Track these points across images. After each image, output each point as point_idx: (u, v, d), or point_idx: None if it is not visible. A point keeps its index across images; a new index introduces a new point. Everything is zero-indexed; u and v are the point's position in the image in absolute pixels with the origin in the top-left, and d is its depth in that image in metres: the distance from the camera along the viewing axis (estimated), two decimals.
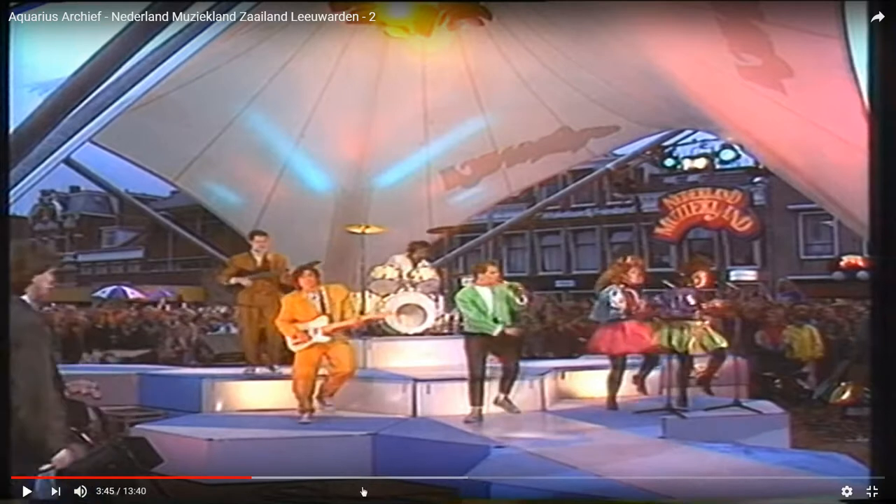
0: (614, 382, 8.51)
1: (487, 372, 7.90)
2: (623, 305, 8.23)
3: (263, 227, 12.61)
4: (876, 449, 2.98)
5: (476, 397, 7.84)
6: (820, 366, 11.70)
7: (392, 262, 10.70)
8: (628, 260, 8.74)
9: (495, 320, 7.85)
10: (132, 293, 31.78)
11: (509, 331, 7.85)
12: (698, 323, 8.27)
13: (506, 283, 8.16)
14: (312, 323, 7.98)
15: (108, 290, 33.34)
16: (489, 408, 7.97)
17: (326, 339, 7.96)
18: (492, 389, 7.98)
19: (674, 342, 8.16)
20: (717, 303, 8.56)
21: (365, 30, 10.18)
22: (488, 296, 7.94)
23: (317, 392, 8.03)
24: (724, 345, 8.39)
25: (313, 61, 10.73)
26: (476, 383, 7.86)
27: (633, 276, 8.39)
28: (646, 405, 8.24)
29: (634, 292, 8.36)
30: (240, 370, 9.65)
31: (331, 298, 8.10)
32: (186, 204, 22.42)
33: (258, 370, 9.35)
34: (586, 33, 9.37)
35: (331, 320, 7.99)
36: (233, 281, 9.50)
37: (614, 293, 8.28)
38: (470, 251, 22.27)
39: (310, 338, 7.96)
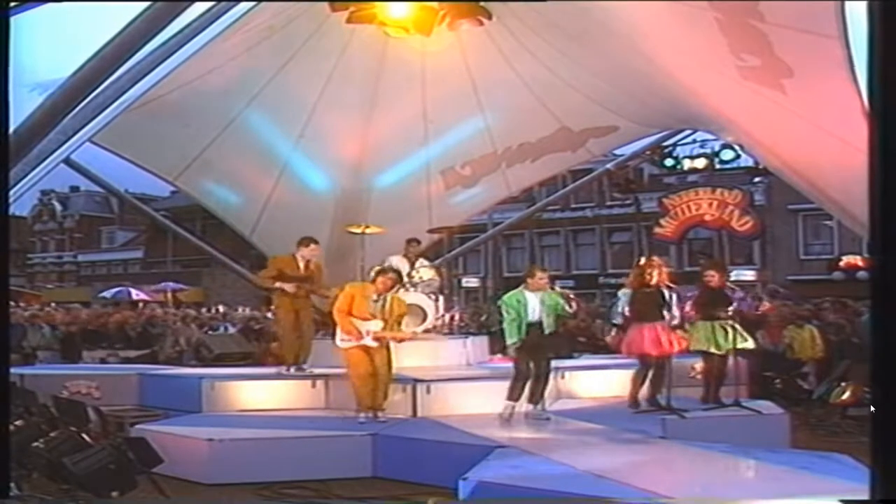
0: (640, 381, 8.49)
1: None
2: (622, 310, 8.31)
3: (263, 227, 12.71)
4: (876, 449, 2.97)
5: (514, 394, 7.95)
6: (820, 366, 11.70)
7: (388, 263, 10.68)
8: (644, 262, 8.73)
9: (529, 325, 7.89)
10: (136, 294, 31.73)
11: (516, 343, 7.90)
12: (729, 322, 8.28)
13: (556, 289, 8.16)
14: (367, 324, 7.86)
15: (113, 290, 33.30)
16: (488, 408, 7.99)
17: (375, 344, 7.84)
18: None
19: (721, 341, 8.17)
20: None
21: (364, 30, 10.18)
22: (535, 301, 7.96)
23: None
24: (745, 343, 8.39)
25: (313, 61, 10.73)
26: (517, 382, 7.96)
27: (654, 278, 8.36)
28: (646, 405, 8.25)
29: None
30: (240, 370, 9.67)
31: (392, 307, 7.97)
32: (186, 204, 22.44)
33: (293, 370, 9.32)
34: (586, 33, 9.37)
35: (384, 328, 7.88)
36: (277, 285, 9.38)
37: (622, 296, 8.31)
38: (469, 251, 22.30)
39: (361, 338, 7.85)
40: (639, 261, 8.85)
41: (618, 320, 8.54)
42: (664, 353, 8.21)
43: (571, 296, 8.20)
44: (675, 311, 8.29)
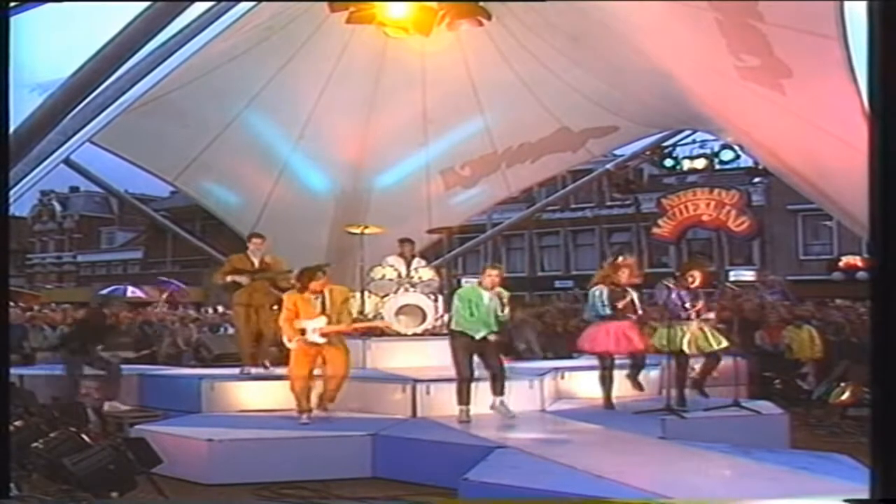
0: (605, 382, 8.54)
1: (476, 373, 7.90)
2: (608, 305, 8.31)
3: (263, 228, 12.66)
4: (876, 449, 2.97)
5: (463, 397, 7.86)
6: (819, 366, 11.70)
7: (385, 263, 10.70)
8: (619, 260, 8.77)
9: (485, 324, 7.83)
10: (132, 291, 31.72)
11: (491, 337, 7.83)
12: (693, 323, 8.29)
13: (498, 289, 7.97)
14: (310, 322, 7.90)
15: (109, 289, 33.30)
16: (487, 408, 7.99)
17: (322, 340, 7.88)
18: (479, 392, 7.96)
19: (664, 342, 8.18)
20: (705, 303, 8.63)
21: (364, 30, 10.19)
22: (486, 299, 7.90)
23: (316, 397, 7.99)
24: (719, 346, 8.38)
25: (312, 61, 10.73)
26: (463, 384, 7.88)
27: (624, 277, 8.43)
28: (645, 405, 8.26)
29: (632, 292, 8.41)
30: (238, 370, 9.66)
31: (333, 299, 8.01)
32: (186, 204, 22.40)
33: (253, 370, 9.39)
34: (585, 34, 9.37)
35: (329, 322, 7.92)
36: (229, 279, 9.50)
37: (600, 293, 8.33)
38: (469, 251, 22.29)
39: (301, 336, 7.88)
40: (615, 258, 8.85)
41: (605, 312, 8.46)
42: (629, 350, 8.33)
43: (505, 299, 7.89)
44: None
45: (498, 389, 7.91)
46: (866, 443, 3.14)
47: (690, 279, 8.43)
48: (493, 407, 7.87)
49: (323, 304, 7.98)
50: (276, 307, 9.19)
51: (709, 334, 8.33)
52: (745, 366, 9.19)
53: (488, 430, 7.33)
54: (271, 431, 7.53)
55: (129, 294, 31.07)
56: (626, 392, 8.70)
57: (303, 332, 7.91)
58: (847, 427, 8.99)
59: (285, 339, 8.10)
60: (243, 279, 9.44)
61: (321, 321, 7.91)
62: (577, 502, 5.20)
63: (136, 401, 9.39)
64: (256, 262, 9.56)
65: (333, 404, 8.04)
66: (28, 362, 12.78)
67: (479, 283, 8.08)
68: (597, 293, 8.46)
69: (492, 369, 7.91)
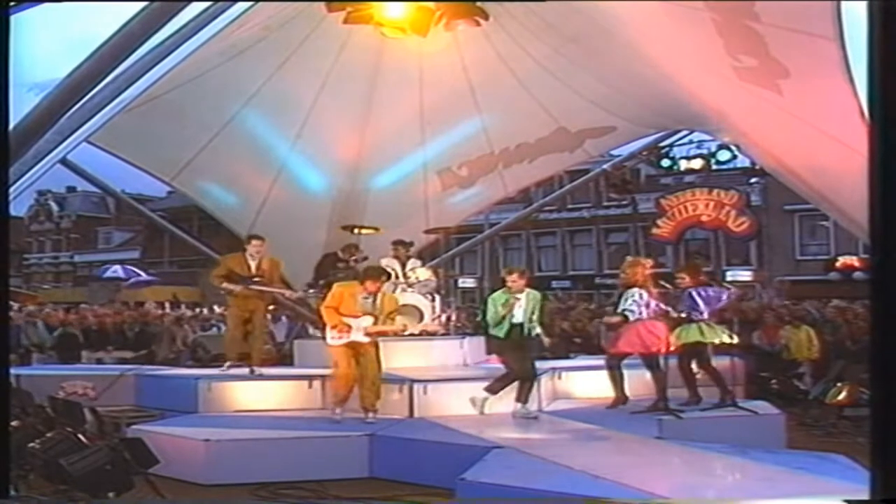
0: (659, 380, 8.52)
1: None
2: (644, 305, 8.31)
3: (260, 228, 12.64)
4: (875, 449, 2.97)
5: (496, 386, 8.01)
6: (816, 366, 11.71)
7: (380, 265, 10.68)
8: (641, 260, 8.78)
9: (513, 325, 7.96)
10: (125, 270, 31.78)
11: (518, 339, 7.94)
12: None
13: (528, 291, 8.11)
14: (358, 320, 7.90)
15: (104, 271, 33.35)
16: (488, 408, 8.00)
17: (366, 339, 7.89)
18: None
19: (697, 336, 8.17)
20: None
21: (361, 30, 10.18)
22: (521, 301, 7.99)
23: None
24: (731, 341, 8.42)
25: (310, 62, 10.72)
26: (506, 380, 8.04)
27: (641, 276, 8.45)
28: (643, 405, 8.26)
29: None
30: (238, 371, 9.66)
31: (383, 304, 8.03)
32: (183, 204, 22.40)
33: (237, 371, 9.35)
34: (582, 34, 9.37)
35: (375, 324, 7.93)
36: (224, 285, 9.31)
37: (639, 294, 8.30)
38: (466, 252, 22.32)
39: (349, 332, 7.89)
40: (637, 259, 8.85)
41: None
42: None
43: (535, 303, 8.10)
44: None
45: (523, 397, 8.03)
46: (863, 443, 3.15)
47: (679, 280, 8.47)
48: (514, 413, 7.97)
49: (373, 305, 7.97)
50: (271, 307, 9.13)
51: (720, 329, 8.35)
52: (742, 366, 9.19)
53: (485, 430, 7.33)
54: (268, 431, 7.53)
55: (122, 273, 30.98)
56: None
57: (349, 328, 7.90)
58: (844, 427, 9.00)
59: (328, 332, 8.05)
60: (236, 288, 9.22)
61: (368, 320, 7.92)
62: (575, 502, 5.20)
63: (133, 401, 9.36)
64: (254, 266, 9.27)
65: (377, 411, 7.96)
66: (25, 362, 12.77)
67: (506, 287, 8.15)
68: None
69: (524, 372, 8.02)
